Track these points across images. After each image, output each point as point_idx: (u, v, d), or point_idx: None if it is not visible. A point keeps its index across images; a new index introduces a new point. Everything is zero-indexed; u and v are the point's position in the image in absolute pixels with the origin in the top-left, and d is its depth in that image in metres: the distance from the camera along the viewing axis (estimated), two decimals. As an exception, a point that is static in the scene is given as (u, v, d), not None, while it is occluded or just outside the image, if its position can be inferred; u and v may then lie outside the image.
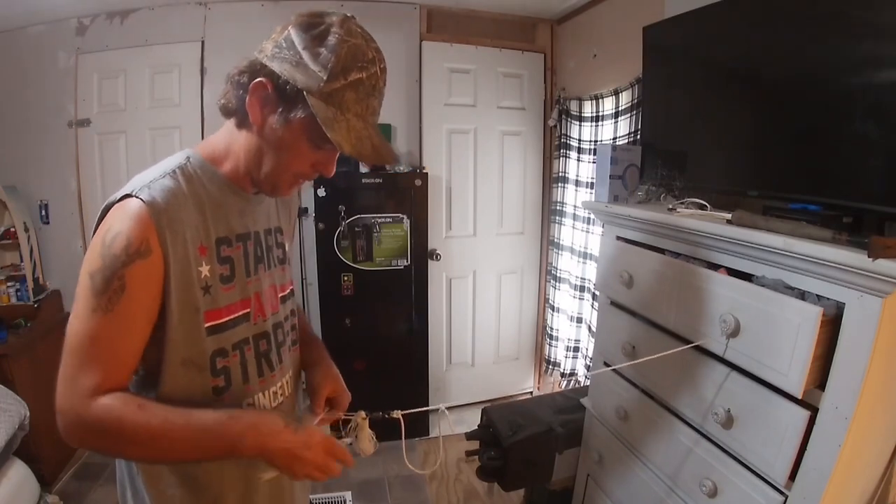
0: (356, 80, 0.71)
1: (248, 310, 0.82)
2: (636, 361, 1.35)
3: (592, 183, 2.18)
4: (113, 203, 0.71)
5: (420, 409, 0.98)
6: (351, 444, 0.90)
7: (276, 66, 0.71)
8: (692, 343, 1.22)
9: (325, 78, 0.69)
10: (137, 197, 0.69)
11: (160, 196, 0.70)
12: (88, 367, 0.67)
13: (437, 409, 1.05)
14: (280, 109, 0.72)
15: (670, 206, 1.43)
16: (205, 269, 0.75)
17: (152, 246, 0.68)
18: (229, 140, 0.80)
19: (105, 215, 0.71)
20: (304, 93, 0.70)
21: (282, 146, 0.75)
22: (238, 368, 0.80)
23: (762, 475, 1.09)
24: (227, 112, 0.79)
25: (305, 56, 0.70)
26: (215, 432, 0.70)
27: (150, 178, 0.73)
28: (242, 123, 0.78)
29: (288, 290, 0.95)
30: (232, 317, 0.79)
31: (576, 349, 2.71)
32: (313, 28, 0.71)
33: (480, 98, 2.84)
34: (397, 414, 0.94)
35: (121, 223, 0.68)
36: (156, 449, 0.69)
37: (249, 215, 0.84)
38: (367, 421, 0.92)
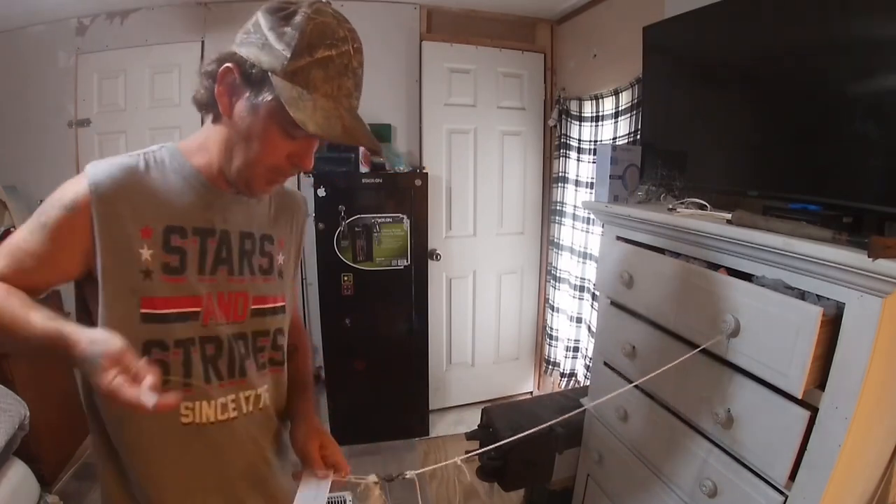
0: (324, 58, 0.68)
1: (199, 309, 0.78)
2: (647, 377, 1.34)
3: (592, 183, 2.18)
4: None
5: (433, 467, 0.95)
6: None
7: (243, 52, 0.70)
8: (696, 346, 1.22)
9: (288, 56, 0.67)
10: (86, 171, 0.74)
11: (105, 170, 0.74)
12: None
13: (454, 462, 0.97)
14: (247, 95, 0.71)
15: (670, 206, 1.43)
16: (146, 253, 0.74)
17: (80, 206, 0.72)
18: (206, 135, 0.79)
19: None
20: (269, 74, 0.68)
21: (252, 135, 0.72)
22: (179, 367, 0.77)
23: (762, 475, 1.09)
24: (199, 105, 0.78)
25: (271, 37, 0.68)
26: (62, 332, 0.67)
27: (112, 158, 0.76)
28: (216, 117, 0.77)
29: (269, 305, 0.88)
30: (175, 310, 0.76)
31: (575, 349, 2.71)
32: (282, 11, 0.69)
33: (480, 98, 2.84)
34: (411, 474, 0.86)
35: (69, 183, 0.74)
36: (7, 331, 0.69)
37: (219, 212, 0.81)
38: (378, 485, 0.85)
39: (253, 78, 0.69)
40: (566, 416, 1.20)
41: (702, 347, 1.19)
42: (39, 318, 0.67)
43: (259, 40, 0.69)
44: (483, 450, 1.15)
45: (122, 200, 0.73)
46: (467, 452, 1.70)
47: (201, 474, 0.82)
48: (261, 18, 0.70)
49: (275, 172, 0.77)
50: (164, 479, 0.80)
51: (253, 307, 0.85)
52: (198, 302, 0.78)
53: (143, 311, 0.74)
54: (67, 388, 2.28)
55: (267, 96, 0.69)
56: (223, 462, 0.84)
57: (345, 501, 2.22)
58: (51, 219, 0.72)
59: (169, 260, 0.76)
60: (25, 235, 0.74)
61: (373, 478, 0.84)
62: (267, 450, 0.90)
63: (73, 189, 0.73)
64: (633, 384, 1.25)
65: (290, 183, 2.90)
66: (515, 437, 1.08)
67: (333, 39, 0.68)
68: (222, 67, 0.71)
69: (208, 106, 0.76)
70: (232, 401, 0.83)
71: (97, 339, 0.62)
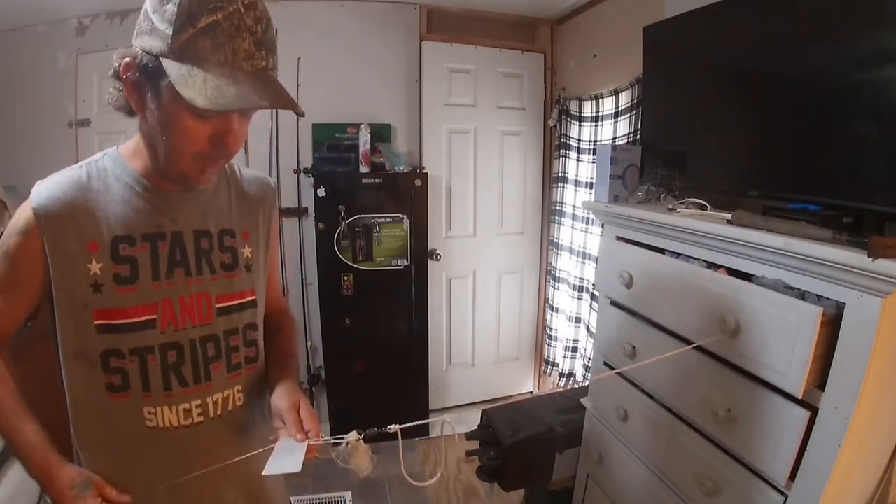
0: (210, 24, 0.62)
1: (154, 316, 0.77)
2: (638, 364, 1.35)
3: (592, 183, 2.18)
4: None
5: (416, 423, 0.87)
6: (347, 463, 0.81)
7: (137, 43, 0.68)
8: (692, 343, 1.22)
9: (171, 33, 0.63)
10: (32, 190, 0.76)
11: (47, 191, 0.75)
12: None
13: (440, 422, 0.91)
14: (149, 85, 0.67)
15: (670, 206, 1.43)
16: (94, 267, 0.74)
17: (30, 229, 0.74)
18: (138, 137, 0.78)
19: None
20: (160, 58, 0.64)
21: (166, 127, 0.69)
22: (137, 375, 0.77)
23: (762, 475, 1.09)
24: (118, 109, 0.76)
25: (155, 19, 0.64)
26: (30, 449, 0.74)
27: (61, 172, 0.79)
28: (140, 119, 0.75)
29: (236, 302, 0.85)
30: (131, 320, 0.76)
31: (574, 349, 2.71)
32: None
33: (480, 98, 2.84)
34: (394, 428, 0.84)
35: (20, 208, 0.77)
36: None
37: (167, 214, 0.78)
38: (360, 441, 0.81)
39: (149, 67, 0.66)
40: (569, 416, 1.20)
41: (696, 344, 1.19)
42: (31, 431, 0.74)
43: (147, 26, 0.66)
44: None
45: (66, 218, 0.74)
46: (467, 452, 1.70)
47: (168, 477, 0.81)
48: (147, 3, 0.67)
49: (203, 159, 0.72)
50: (129, 481, 0.79)
51: (217, 306, 0.83)
52: (152, 309, 0.77)
53: (98, 322, 0.75)
54: (67, 388, 2.28)
55: (164, 82, 0.64)
56: (190, 466, 0.81)
57: (345, 501, 2.22)
58: (11, 247, 0.75)
59: (119, 270, 0.76)
60: None
61: (353, 435, 0.81)
62: (244, 451, 0.84)
63: (24, 214, 0.75)
64: (616, 370, 1.25)
65: (290, 182, 2.86)
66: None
67: (217, 2, 0.63)
68: (122, 64, 0.69)
69: (125, 108, 0.74)
70: (197, 406, 0.82)
71: (77, 484, 0.72)
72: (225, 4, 0.63)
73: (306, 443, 0.76)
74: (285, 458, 0.75)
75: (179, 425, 0.81)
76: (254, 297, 0.89)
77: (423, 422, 0.90)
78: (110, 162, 0.79)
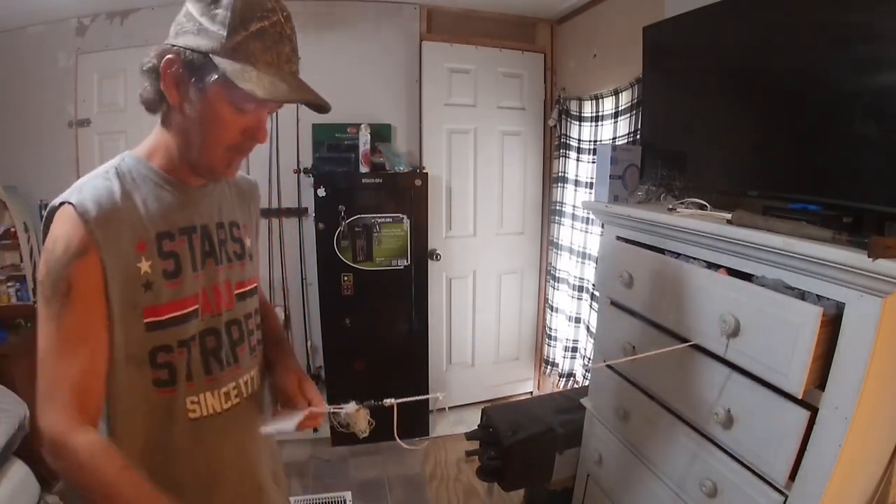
0: (259, 30, 0.71)
1: (197, 306, 0.81)
2: (635, 357, 1.35)
3: (592, 183, 2.18)
4: (54, 209, 0.74)
5: (413, 399, 0.94)
6: (347, 428, 0.89)
7: (180, 42, 0.72)
8: (697, 347, 1.22)
9: (225, 34, 0.69)
10: (69, 203, 0.72)
11: (90, 197, 0.73)
12: (58, 391, 0.70)
13: (435, 398, 1.03)
14: (193, 80, 0.72)
15: (670, 206, 1.43)
16: (145, 265, 0.75)
17: (87, 246, 0.70)
18: (159, 135, 0.81)
19: (49, 222, 0.74)
20: (210, 56, 0.70)
21: (205, 119, 0.74)
22: (183, 365, 0.80)
23: (762, 475, 1.09)
24: (147, 104, 0.78)
25: (204, 21, 0.70)
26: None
27: (84, 182, 0.76)
28: (166, 114, 0.78)
29: (248, 287, 0.92)
30: (177, 314, 0.79)
31: (574, 349, 2.71)
32: None
33: (480, 98, 2.84)
34: (390, 402, 0.91)
35: (58, 229, 0.72)
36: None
37: (193, 208, 0.83)
38: (359, 410, 0.90)
39: (195, 64, 0.71)
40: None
41: (693, 342, 1.19)
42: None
43: (194, 27, 0.71)
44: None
45: (116, 224, 0.73)
46: (467, 452, 1.69)
47: (209, 465, 0.84)
48: (190, 7, 0.72)
49: (233, 151, 0.78)
50: (182, 478, 0.81)
51: (236, 292, 0.89)
52: (195, 299, 0.81)
53: (147, 320, 0.76)
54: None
55: (212, 77, 0.71)
56: (236, 451, 0.88)
57: (345, 501, 2.22)
58: (73, 276, 0.70)
59: (165, 266, 0.78)
60: (57, 325, 0.70)
61: (353, 404, 0.89)
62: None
63: (72, 234, 0.71)
64: (606, 363, 1.25)
65: (290, 182, 2.87)
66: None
67: (263, 11, 0.71)
68: (164, 60, 0.72)
69: (156, 103, 0.77)
70: (234, 388, 0.87)
71: None
72: (270, 14, 0.71)
73: (305, 410, 0.87)
74: (284, 422, 0.86)
75: (222, 410, 0.85)
76: (256, 285, 0.96)
77: (420, 398, 0.97)
78: (132, 164, 0.80)
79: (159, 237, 0.77)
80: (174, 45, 0.72)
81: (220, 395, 0.85)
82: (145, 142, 0.83)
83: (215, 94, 0.72)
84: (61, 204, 0.73)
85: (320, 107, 0.78)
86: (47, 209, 0.75)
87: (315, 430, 2.71)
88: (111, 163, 0.80)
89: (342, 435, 0.85)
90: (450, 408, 3.07)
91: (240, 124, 0.76)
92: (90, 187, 0.74)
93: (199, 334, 0.82)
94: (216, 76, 0.70)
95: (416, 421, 2.77)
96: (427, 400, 3.03)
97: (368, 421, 0.90)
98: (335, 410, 0.89)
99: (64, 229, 0.71)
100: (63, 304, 0.70)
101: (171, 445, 0.81)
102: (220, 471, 0.86)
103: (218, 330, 0.85)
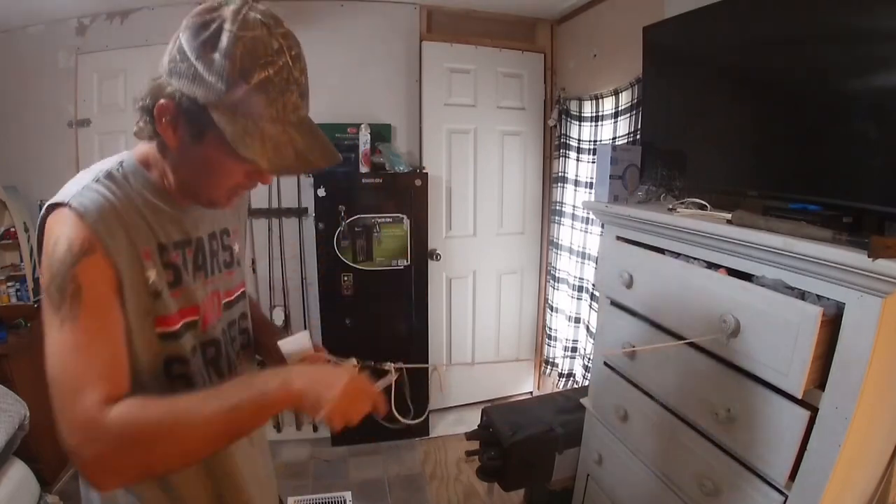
0: (263, 81, 0.63)
1: (197, 317, 0.79)
2: (630, 349, 1.35)
3: (592, 183, 2.18)
4: (49, 212, 0.68)
5: (413, 366, 0.98)
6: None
7: (174, 83, 0.65)
8: (697, 346, 1.22)
9: (223, 88, 0.62)
10: (69, 205, 0.66)
11: (90, 199, 0.67)
12: (82, 385, 0.61)
13: (433, 368, 1.07)
14: (190, 130, 0.66)
15: (670, 206, 1.43)
16: (152, 274, 0.71)
17: (92, 245, 0.64)
18: (149, 153, 0.75)
19: (44, 224, 0.68)
20: (209, 110, 0.63)
21: (206, 166, 0.70)
22: (196, 377, 0.78)
23: (762, 475, 1.09)
24: (142, 137, 0.73)
25: (199, 66, 0.63)
26: (253, 389, 0.65)
27: (82, 185, 0.69)
28: (163, 145, 0.72)
29: (235, 295, 0.91)
30: (183, 322, 0.76)
31: (574, 349, 2.71)
32: (204, 30, 0.63)
33: (480, 98, 2.84)
34: (390, 366, 0.92)
35: (59, 230, 0.65)
36: (189, 437, 0.63)
37: (188, 221, 0.79)
38: (357, 368, 0.90)
39: (192, 111, 0.65)
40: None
41: (690, 340, 1.19)
42: (215, 402, 0.63)
43: (188, 70, 0.64)
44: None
45: (119, 228, 0.68)
46: (467, 452, 1.70)
47: (218, 470, 0.85)
48: (184, 43, 0.64)
49: (237, 189, 0.75)
50: (181, 483, 0.81)
51: (224, 301, 0.88)
52: (195, 311, 0.79)
53: (158, 330, 0.73)
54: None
55: (212, 129, 0.64)
56: (234, 453, 0.88)
57: (345, 501, 2.22)
58: (79, 276, 0.63)
59: (168, 276, 0.75)
60: (70, 331, 0.62)
61: (353, 361, 0.92)
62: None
63: (75, 235, 0.64)
64: (604, 359, 1.25)
65: (290, 182, 2.85)
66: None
67: (267, 57, 0.63)
68: (157, 105, 0.66)
69: (154, 136, 0.71)
70: None
71: (305, 372, 0.69)
72: (275, 58, 0.64)
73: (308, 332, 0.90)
74: (297, 339, 0.92)
75: None
76: (244, 289, 0.95)
77: (419, 366, 1.02)
78: (130, 172, 0.74)
79: (160, 247, 0.74)
80: (169, 84, 0.65)
81: None
82: (145, 147, 0.77)
83: (215, 145, 0.66)
84: (57, 206, 0.66)
85: (327, 166, 0.73)
86: (40, 213, 0.69)
87: (315, 430, 2.72)
88: (106, 164, 0.74)
89: (342, 435, 0.85)
90: (450, 408, 3.08)
91: (244, 168, 0.71)
92: (89, 190, 0.68)
93: (199, 345, 0.81)
94: (216, 130, 0.63)
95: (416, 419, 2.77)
96: (427, 402, 3.03)
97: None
98: (337, 362, 0.92)
99: (65, 230, 0.65)
100: (73, 306, 0.62)
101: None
102: (229, 473, 0.86)
103: (217, 340, 0.84)
